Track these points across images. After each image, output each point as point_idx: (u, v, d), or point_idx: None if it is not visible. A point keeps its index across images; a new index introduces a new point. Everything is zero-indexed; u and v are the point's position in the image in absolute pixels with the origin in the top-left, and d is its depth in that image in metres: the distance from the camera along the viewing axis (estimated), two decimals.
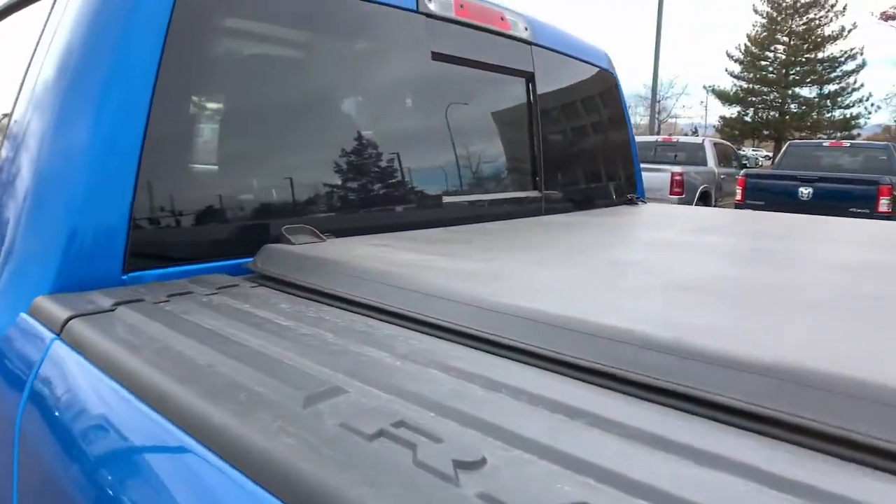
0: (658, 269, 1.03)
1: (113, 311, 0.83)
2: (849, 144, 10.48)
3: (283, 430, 0.51)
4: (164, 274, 1.07)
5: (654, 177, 9.79)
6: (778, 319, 0.73)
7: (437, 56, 1.66)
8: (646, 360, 0.63)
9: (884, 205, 8.10)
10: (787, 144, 10.85)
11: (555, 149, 2.14)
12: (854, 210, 8.10)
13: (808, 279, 0.96)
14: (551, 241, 1.31)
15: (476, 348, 0.73)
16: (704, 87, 33.51)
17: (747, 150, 32.18)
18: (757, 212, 2.23)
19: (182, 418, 0.57)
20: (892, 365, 0.57)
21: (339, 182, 1.43)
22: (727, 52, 30.48)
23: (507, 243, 1.28)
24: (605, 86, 2.46)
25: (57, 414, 0.72)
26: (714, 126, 34.40)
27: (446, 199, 1.68)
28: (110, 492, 0.60)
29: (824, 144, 10.59)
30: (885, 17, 13.26)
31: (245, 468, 0.50)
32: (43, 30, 1.17)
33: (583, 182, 2.27)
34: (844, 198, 8.27)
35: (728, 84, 30.49)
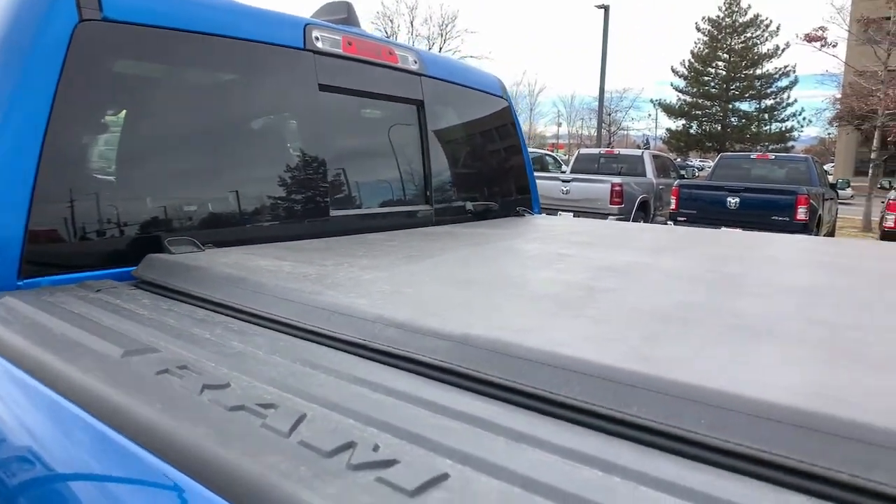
0: (458, 271, 1.29)
1: None
2: (773, 157, 11.28)
3: (100, 370, 0.74)
4: (57, 280, 1.27)
5: (595, 187, 10.28)
6: (492, 306, 0.99)
7: (324, 87, 1.91)
8: (386, 334, 0.88)
9: (801, 213, 8.72)
10: (718, 157, 11.57)
11: (444, 167, 2.42)
12: (776, 218, 8.74)
13: (566, 278, 1.23)
14: (400, 249, 1.56)
15: (278, 330, 0.97)
16: (652, 101, 34.93)
17: (695, 161, 33.57)
18: (627, 224, 2.53)
19: (32, 367, 0.79)
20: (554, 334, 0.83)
21: (229, 197, 1.65)
22: (672, 67, 31.95)
23: (364, 251, 1.52)
24: (496, 110, 2.76)
25: None
26: (661, 138, 35.81)
27: (335, 213, 1.92)
28: None
29: (752, 157, 11.37)
30: (809, 38, 14.27)
31: (71, 396, 0.73)
32: None
33: (472, 197, 2.55)
34: (767, 207, 8.87)
35: (674, 98, 31.98)
